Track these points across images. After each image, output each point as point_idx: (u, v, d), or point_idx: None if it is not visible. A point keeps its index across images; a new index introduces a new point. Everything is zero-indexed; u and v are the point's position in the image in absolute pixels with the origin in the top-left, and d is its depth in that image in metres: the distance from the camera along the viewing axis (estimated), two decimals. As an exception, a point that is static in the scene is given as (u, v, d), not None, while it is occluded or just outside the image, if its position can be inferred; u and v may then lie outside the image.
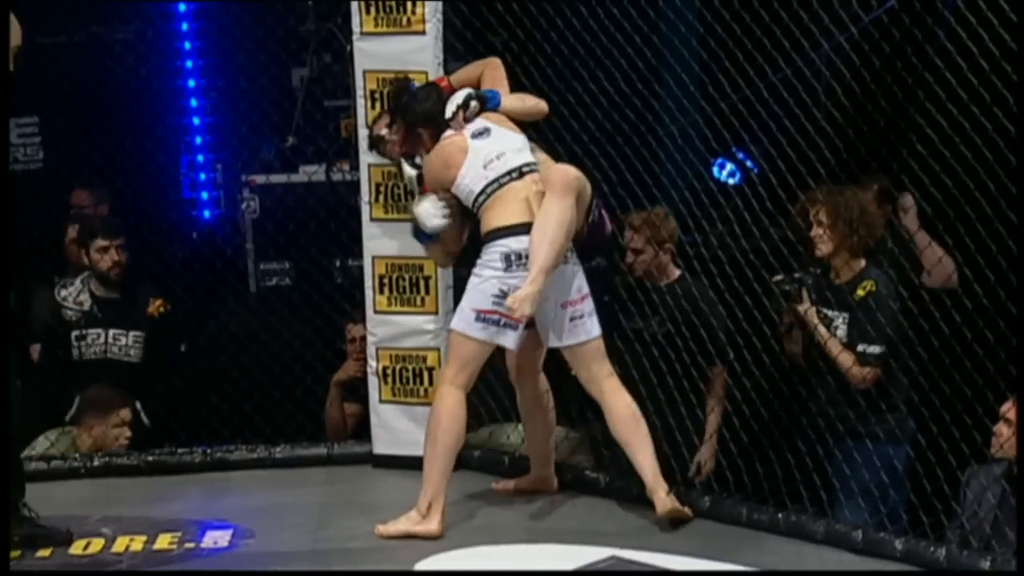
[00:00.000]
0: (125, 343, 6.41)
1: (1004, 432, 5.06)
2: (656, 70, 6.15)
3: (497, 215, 5.24)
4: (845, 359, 5.51)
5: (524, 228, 5.18)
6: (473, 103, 5.38)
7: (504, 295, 5.16)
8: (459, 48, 6.04)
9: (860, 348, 5.50)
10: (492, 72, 5.56)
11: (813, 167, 5.54)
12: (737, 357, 5.74)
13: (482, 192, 5.28)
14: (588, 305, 5.30)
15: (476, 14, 6.05)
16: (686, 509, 5.26)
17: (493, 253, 5.21)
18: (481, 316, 5.22)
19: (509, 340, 5.26)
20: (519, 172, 5.29)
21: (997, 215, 5.23)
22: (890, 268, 5.65)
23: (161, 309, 6.41)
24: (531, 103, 5.48)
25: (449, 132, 5.39)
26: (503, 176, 5.28)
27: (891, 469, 5.49)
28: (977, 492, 5.15)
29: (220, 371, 6.63)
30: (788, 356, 5.71)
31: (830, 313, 5.60)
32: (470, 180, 5.30)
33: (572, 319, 5.28)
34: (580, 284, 5.30)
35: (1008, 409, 5.07)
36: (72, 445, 6.19)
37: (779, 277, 5.58)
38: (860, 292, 5.51)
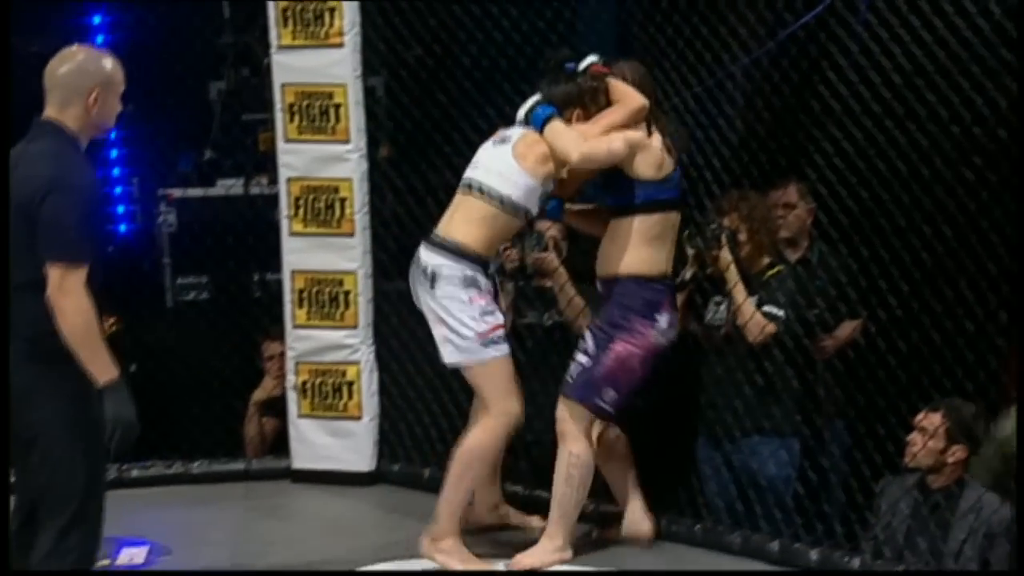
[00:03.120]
0: None
1: (918, 441, 5.24)
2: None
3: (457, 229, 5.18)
4: (748, 309, 5.53)
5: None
6: (522, 111, 5.24)
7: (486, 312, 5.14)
8: (375, 62, 6.16)
9: (766, 309, 5.57)
10: (622, 94, 5.23)
11: (735, 178, 5.71)
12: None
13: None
14: (442, 331, 5.15)
15: (392, 27, 6.15)
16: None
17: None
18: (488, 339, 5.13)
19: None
20: (468, 186, 5.19)
21: (911, 227, 5.42)
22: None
23: (114, 328, 6.46)
24: (563, 143, 5.10)
25: None
26: (462, 183, 5.24)
27: (779, 464, 5.62)
28: (891, 502, 5.33)
29: (136, 386, 6.47)
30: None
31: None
32: None
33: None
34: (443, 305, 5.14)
35: (922, 419, 5.24)
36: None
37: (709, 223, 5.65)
38: (769, 274, 5.67)
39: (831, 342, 5.81)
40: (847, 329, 5.86)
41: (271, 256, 6.35)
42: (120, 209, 7.17)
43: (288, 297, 6.23)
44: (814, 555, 5.24)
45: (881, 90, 5.42)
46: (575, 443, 5.14)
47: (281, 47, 6.13)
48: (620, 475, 5.41)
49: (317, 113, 6.12)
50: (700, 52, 5.80)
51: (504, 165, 5.15)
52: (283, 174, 6.22)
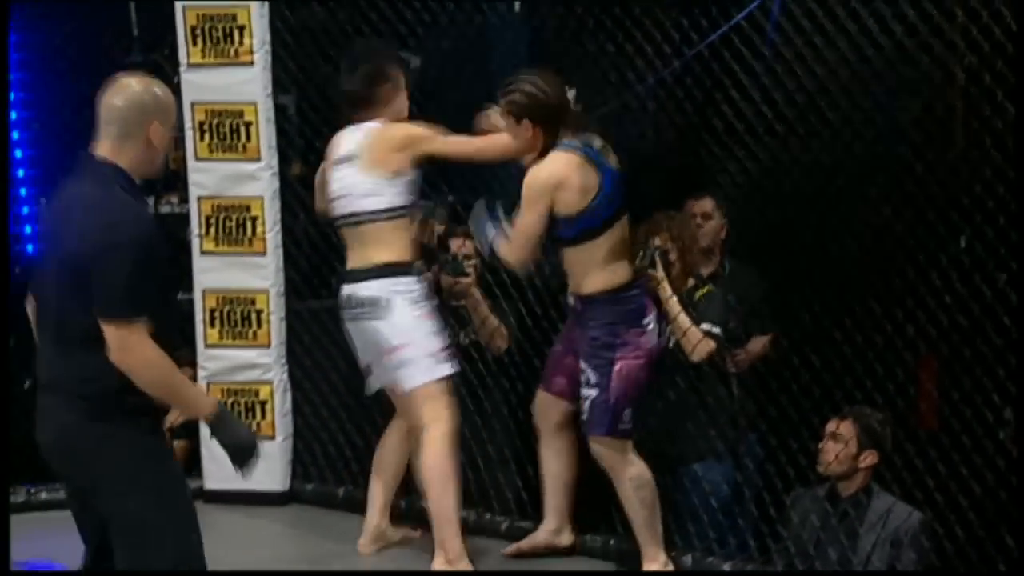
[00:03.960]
0: None
1: (831, 449, 5.35)
2: (489, 101, 6.10)
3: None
4: (684, 322, 5.50)
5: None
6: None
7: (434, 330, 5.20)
8: (286, 80, 6.18)
9: (704, 326, 5.56)
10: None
11: (642, 196, 5.66)
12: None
13: None
14: (402, 355, 5.19)
15: (302, 45, 6.17)
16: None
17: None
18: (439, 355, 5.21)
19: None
20: (354, 223, 5.26)
21: (819, 244, 5.55)
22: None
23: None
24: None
25: None
26: (343, 221, 5.34)
27: (716, 489, 5.70)
28: (802, 514, 5.45)
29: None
30: None
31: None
32: None
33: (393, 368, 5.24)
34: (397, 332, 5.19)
35: (835, 427, 5.35)
36: None
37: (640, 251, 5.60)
38: (698, 295, 5.69)
39: (744, 356, 5.89)
40: (758, 344, 5.96)
41: (182, 275, 6.29)
42: (27, 230, 7.06)
43: (199, 316, 6.23)
44: (727, 567, 5.32)
45: (784, 109, 5.49)
46: (627, 470, 5.14)
47: (191, 65, 6.13)
48: (557, 480, 5.38)
49: (227, 131, 6.13)
50: (606, 71, 5.87)
51: (366, 185, 5.21)
52: (194, 193, 6.22)
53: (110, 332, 3.78)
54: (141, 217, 3.92)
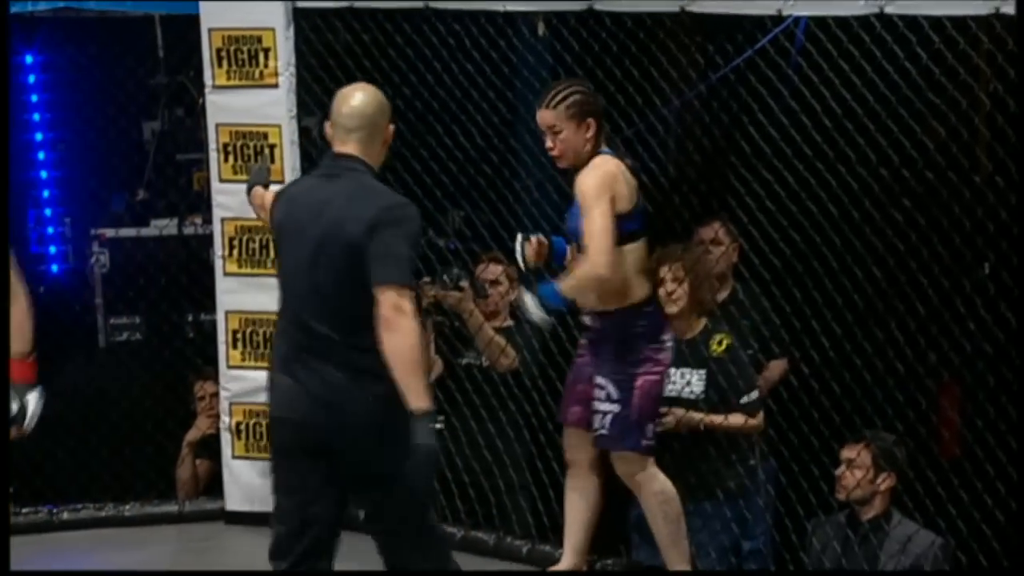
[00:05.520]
0: None
1: (848, 476, 5.36)
2: (512, 124, 6.36)
3: None
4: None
5: None
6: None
7: None
8: (310, 102, 6.20)
9: (744, 400, 5.60)
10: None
11: (666, 222, 5.76)
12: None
13: None
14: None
15: (327, 68, 6.20)
16: None
17: None
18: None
19: None
20: None
21: (843, 269, 5.54)
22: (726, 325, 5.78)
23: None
24: (586, 274, 4.99)
25: None
26: None
27: (743, 522, 5.71)
28: (823, 541, 5.47)
29: (67, 428, 6.67)
30: None
31: (684, 371, 5.69)
32: None
33: None
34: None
35: (851, 453, 5.36)
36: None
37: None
38: (716, 348, 5.65)
39: (762, 382, 5.89)
40: (776, 369, 5.99)
41: (205, 297, 6.36)
42: (52, 249, 7.19)
43: (222, 338, 6.24)
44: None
45: (812, 133, 5.50)
46: (650, 484, 5.12)
47: (216, 87, 6.16)
48: (580, 519, 5.30)
49: (252, 153, 6.15)
50: (632, 95, 5.88)
51: None
52: (217, 214, 6.23)
53: (387, 295, 4.19)
54: (407, 201, 4.42)
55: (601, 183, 4.91)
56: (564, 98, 4.97)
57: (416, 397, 4.17)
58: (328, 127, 4.54)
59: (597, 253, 4.85)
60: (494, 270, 6.03)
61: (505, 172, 6.20)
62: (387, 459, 4.27)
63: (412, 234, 4.29)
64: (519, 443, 6.00)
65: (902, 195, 5.49)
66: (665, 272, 5.63)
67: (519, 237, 5.21)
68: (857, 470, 5.34)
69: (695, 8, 5.27)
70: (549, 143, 5.00)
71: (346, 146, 4.43)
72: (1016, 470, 5.04)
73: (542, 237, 5.20)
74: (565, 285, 4.90)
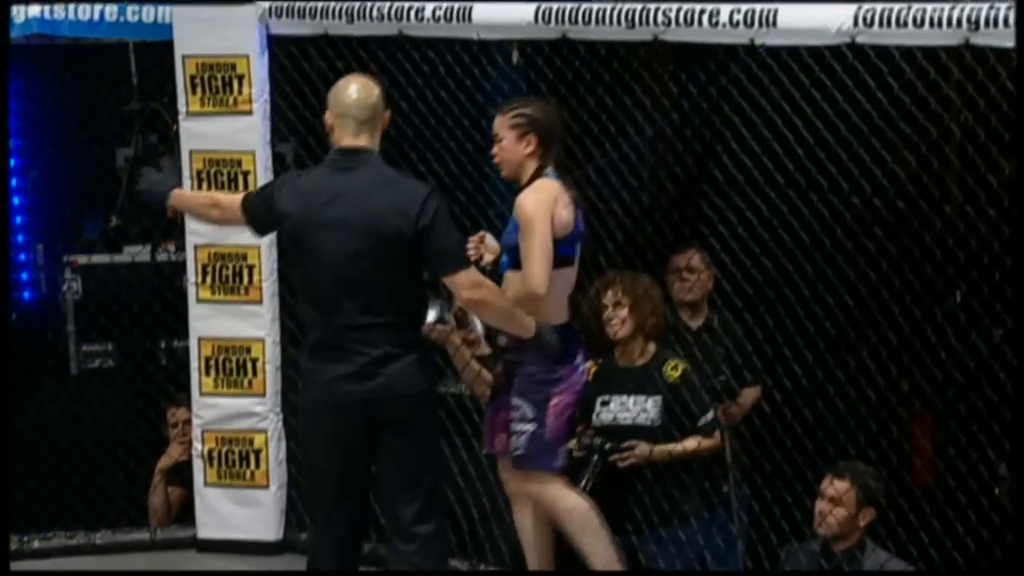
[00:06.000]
0: None
1: (828, 509, 5.35)
2: (485, 151, 6.06)
3: None
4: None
5: None
6: None
7: None
8: (284, 128, 6.24)
9: (701, 422, 5.59)
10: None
11: (639, 250, 5.81)
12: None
13: None
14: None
15: (301, 96, 6.21)
16: None
17: None
18: None
19: None
20: None
21: (815, 297, 5.56)
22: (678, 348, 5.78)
23: None
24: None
25: None
26: None
27: (714, 548, 5.69)
28: (795, 567, 5.48)
29: (38, 455, 6.66)
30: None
31: (637, 398, 5.64)
32: None
33: None
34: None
35: (828, 485, 5.34)
36: None
37: None
38: (672, 373, 5.63)
39: (736, 409, 5.92)
40: (750, 396, 5.99)
41: (178, 323, 6.37)
42: (24, 276, 7.18)
43: (195, 364, 6.25)
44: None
45: (784, 161, 5.54)
46: (564, 502, 5.14)
47: (189, 114, 6.17)
48: (537, 545, 5.28)
49: (226, 180, 6.17)
50: (605, 123, 5.91)
51: None
52: (190, 241, 6.25)
53: (461, 278, 4.66)
54: (431, 184, 4.83)
55: (542, 204, 4.97)
56: (514, 108, 5.08)
57: (526, 328, 4.83)
58: (329, 118, 4.72)
59: (535, 272, 4.92)
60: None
61: (479, 199, 6.18)
62: (421, 415, 4.75)
63: (449, 215, 4.70)
64: (492, 471, 5.94)
65: (874, 223, 5.54)
66: (608, 298, 5.64)
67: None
68: (840, 508, 5.31)
69: (668, 37, 5.31)
70: (494, 149, 5.12)
71: (359, 138, 4.71)
72: (988, 499, 5.07)
73: (483, 233, 5.31)
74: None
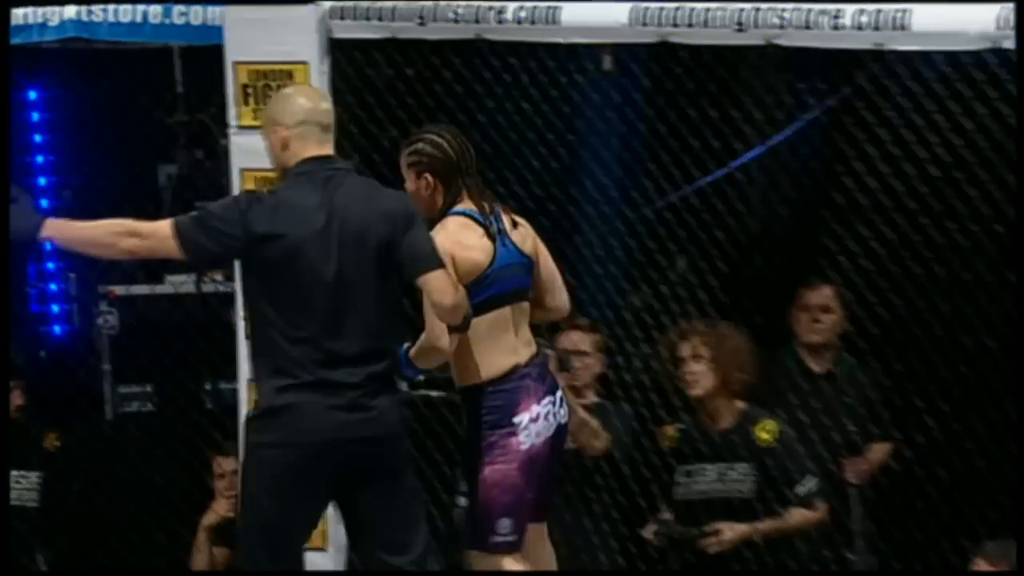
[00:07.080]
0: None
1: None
2: (573, 171, 6.30)
3: None
4: (796, 517, 5.41)
5: None
6: None
7: None
8: (347, 145, 5.86)
9: (800, 490, 5.44)
10: None
11: (747, 283, 5.68)
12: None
13: None
14: None
15: (364, 107, 6.05)
16: None
17: None
18: None
19: None
20: None
21: (951, 339, 5.40)
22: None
23: (56, 443, 6.29)
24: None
25: None
26: None
27: None
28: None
29: (69, 510, 6.45)
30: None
31: (722, 467, 5.51)
32: None
33: None
34: None
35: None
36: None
37: None
38: (764, 436, 5.49)
39: (865, 465, 5.67)
40: (879, 452, 5.75)
41: (225, 363, 6.12)
42: (55, 309, 7.07)
43: (244, 409, 5.89)
44: None
45: (915, 183, 5.44)
46: None
47: (240, 127, 5.90)
48: None
49: (280, 202, 5.98)
50: (708, 140, 5.80)
51: None
52: (239, 270, 5.80)
53: (436, 279, 4.54)
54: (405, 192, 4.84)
55: (439, 247, 4.74)
56: (409, 144, 4.92)
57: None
58: (282, 132, 4.63)
59: (430, 325, 4.70)
60: (576, 338, 5.69)
61: (565, 225, 6.09)
62: (400, 454, 4.63)
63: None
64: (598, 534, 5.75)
65: (1019, 254, 5.25)
66: (686, 350, 5.51)
67: None
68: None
69: (783, 41, 5.10)
70: None
71: (324, 147, 4.67)
72: None
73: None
74: (413, 351, 4.80)
